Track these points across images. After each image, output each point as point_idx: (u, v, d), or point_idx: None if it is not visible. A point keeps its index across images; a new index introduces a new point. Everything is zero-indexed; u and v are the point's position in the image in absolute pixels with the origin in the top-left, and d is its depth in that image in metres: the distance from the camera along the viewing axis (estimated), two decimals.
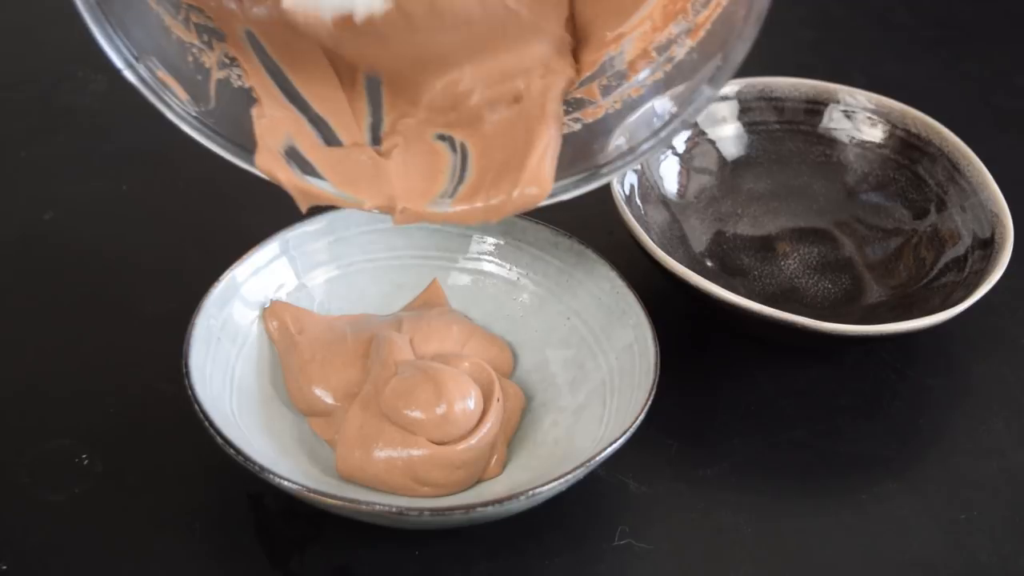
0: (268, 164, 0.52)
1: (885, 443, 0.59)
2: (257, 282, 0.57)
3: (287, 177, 0.52)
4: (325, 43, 0.51)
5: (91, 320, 0.61)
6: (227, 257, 0.57)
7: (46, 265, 0.65)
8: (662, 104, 0.52)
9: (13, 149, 0.72)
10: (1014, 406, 0.61)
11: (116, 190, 0.69)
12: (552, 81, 0.53)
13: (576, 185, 0.53)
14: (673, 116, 0.51)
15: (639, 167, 0.64)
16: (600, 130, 0.54)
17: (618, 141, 0.53)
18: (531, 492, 0.48)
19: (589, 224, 0.60)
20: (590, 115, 0.54)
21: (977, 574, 0.53)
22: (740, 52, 0.49)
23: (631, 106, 0.53)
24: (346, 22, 0.50)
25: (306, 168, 0.53)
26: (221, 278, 0.56)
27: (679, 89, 0.52)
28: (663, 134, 0.52)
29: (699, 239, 0.66)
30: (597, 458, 0.49)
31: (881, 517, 0.55)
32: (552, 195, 0.53)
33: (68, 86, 0.77)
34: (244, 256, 0.57)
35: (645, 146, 0.52)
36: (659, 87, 0.53)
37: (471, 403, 0.52)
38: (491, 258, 0.61)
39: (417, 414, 0.52)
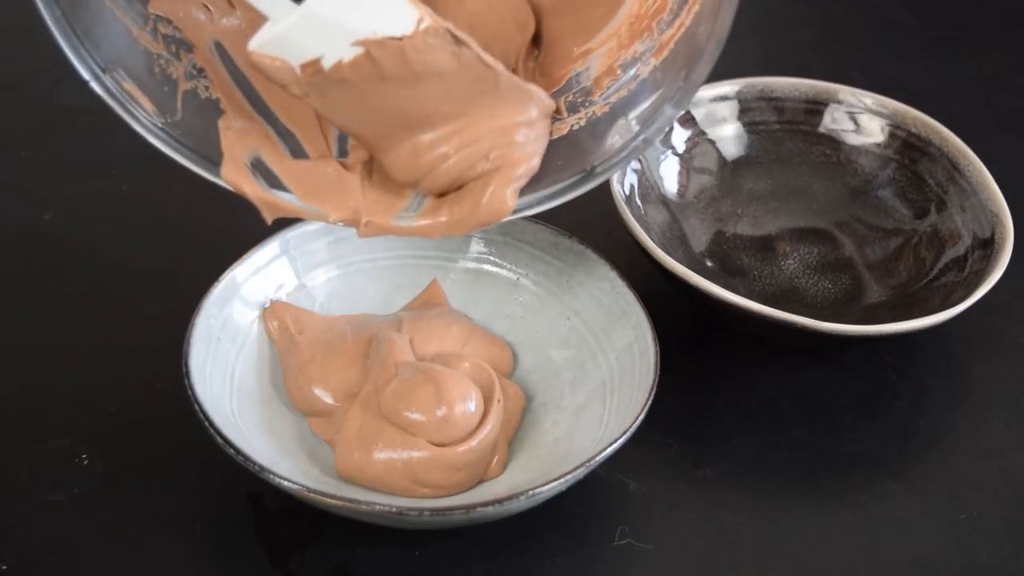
0: (233, 176, 0.52)
1: (885, 443, 0.59)
2: (257, 282, 0.57)
3: (252, 189, 0.52)
4: (292, 91, 0.50)
5: (91, 320, 0.61)
6: (227, 257, 0.57)
7: (46, 265, 0.65)
8: (625, 123, 0.52)
9: (13, 149, 0.72)
10: (1014, 406, 0.61)
11: (116, 190, 0.69)
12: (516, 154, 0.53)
13: (539, 202, 0.53)
14: (635, 135, 0.52)
15: (639, 167, 0.64)
16: (564, 147, 0.54)
17: (583, 159, 0.53)
18: (531, 492, 0.48)
19: (589, 224, 0.60)
20: (555, 131, 0.54)
21: (977, 574, 0.53)
22: (702, 73, 0.49)
23: (595, 123, 0.54)
24: (314, 68, 0.49)
25: (272, 181, 0.53)
26: (221, 278, 0.56)
27: (643, 107, 0.52)
28: (625, 153, 0.52)
29: (699, 239, 0.66)
30: (597, 458, 0.49)
31: (881, 517, 0.55)
32: (516, 211, 0.53)
33: (68, 86, 0.76)
34: (244, 256, 0.57)
35: (609, 163, 0.52)
36: (624, 105, 0.53)
37: (471, 405, 0.52)
38: (491, 258, 0.61)
39: (417, 416, 0.52)
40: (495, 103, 0.52)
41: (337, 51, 0.48)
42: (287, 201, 0.53)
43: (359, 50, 0.48)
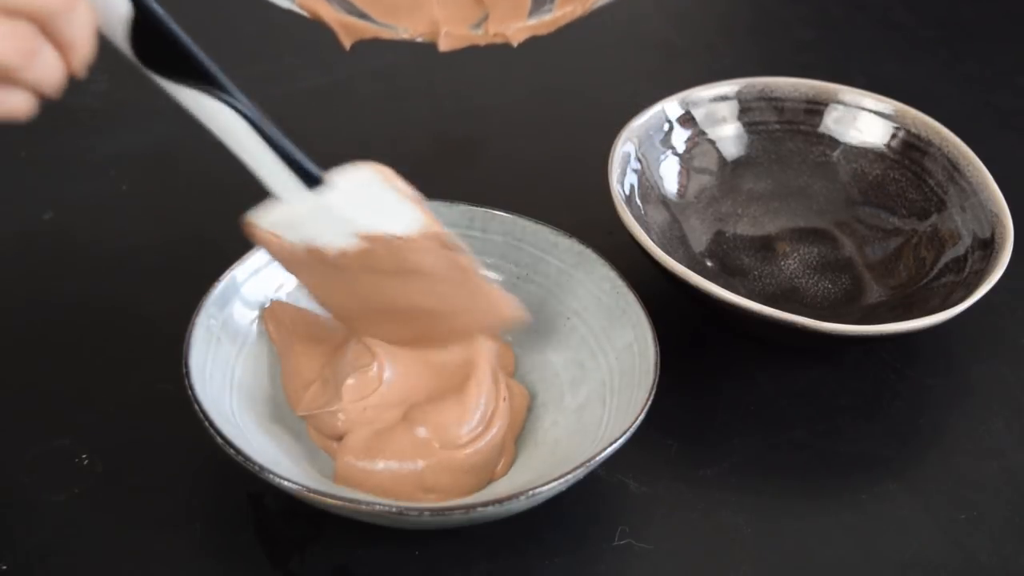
0: (309, 2, 0.52)
1: (885, 443, 0.59)
2: (257, 282, 0.57)
3: (328, 12, 0.52)
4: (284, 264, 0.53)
5: (91, 320, 0.61)
6: (227, 257, 0.57)
7: (46, 265, 0.65)
8: None
9: (13, 149, 0.72)
10: (1014, 406, 0.61)
11: (116, 190, 0.69)
12: None
13: None
14: None
15: (639, 167, 0.64)
16: None
17: None
18: (531, 492, 0.48)
19: (589, 224, 0.60)
20: None
21: (977, 574, 0.53)
22: None
23: None
24: (317, 251, 0.51)
25: (347, 7, 0.53)
26: (221, 278, 0.56)
27: None
28: None
29: (699, 239, 0.66)
30: (597, 458, 0.49)
31: (881, 517, 0.55)
32: None
33: (68, 86, 0.77)
34: (244, 256, 0.57)
35: None
36: None
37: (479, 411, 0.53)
38: (491, 258, 0.61)
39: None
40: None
41: (341, 239, 0.51)
42: (364, 23, 0.53)
43: (360, 242, 0.51)
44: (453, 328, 0.54)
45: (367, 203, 0.50)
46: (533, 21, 0.54)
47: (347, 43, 0.53)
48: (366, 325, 0.54)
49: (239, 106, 0.47)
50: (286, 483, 0.48)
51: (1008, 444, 0.59)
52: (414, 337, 0.54)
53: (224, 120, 0.47)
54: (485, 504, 0.49)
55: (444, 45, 0.53)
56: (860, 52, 0.86)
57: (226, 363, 0.55)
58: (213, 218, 0.67)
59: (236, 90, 0.47)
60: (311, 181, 0.49)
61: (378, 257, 0.51)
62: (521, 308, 0.55)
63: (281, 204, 0.50)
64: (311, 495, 0.48)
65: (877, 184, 0.67)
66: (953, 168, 0.65)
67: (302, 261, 0.52)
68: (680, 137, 0.67)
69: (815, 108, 0.68)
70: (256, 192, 0.72)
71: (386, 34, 0.53)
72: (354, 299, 0.54)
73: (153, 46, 0.45)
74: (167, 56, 0.46)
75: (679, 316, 0.62)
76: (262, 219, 0.51)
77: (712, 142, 0.68)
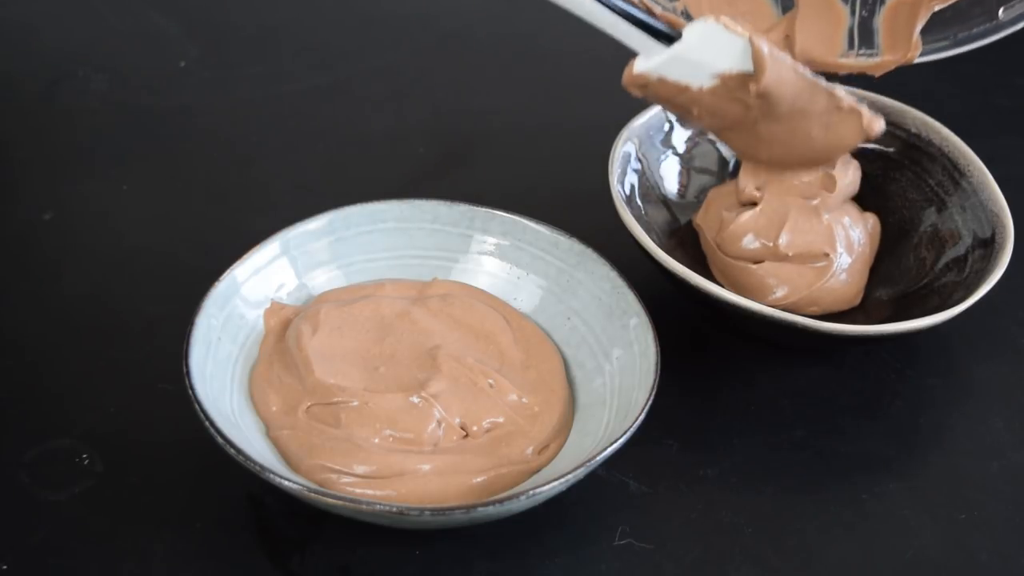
0: None
1: (885, 443, 0.59)
2: (257, 282, 0.57)
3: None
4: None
5: (91, 320, 0.61)
6: (227, 257, 0.57)
7: (46, 265, 0.65)
8: None
9: (13, 149, 0.72)
10: (1014, 406, 0.61)
11: (116, 190, 0.69)
12: None
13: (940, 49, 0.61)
14: None
15: (639, 167, 0.64)
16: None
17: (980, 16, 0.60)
18: (531, 492, 0.48)
19: (589, 224, 0.60)
20: None
21: (977, 574, 0.53)
22: None
23: None
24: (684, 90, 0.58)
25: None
26: (221, 278, 0.56)
27: None
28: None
29: None
30: (597, 458, 0.49)
31: (881, 517, 0.55)
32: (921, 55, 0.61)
33: (68, 86, 0.77)
34: (244, 256, 0.57)
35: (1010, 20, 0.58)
36: None
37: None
38: (491, 258, 0.61)
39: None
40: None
41: (701, 80, 0.57)
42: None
43: (716, 81, 0.57)
44: (813, 142, 0.59)
45: (715, 47, 0.56)
46: (853, 61, 0.62)
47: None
48: (742, 146, 0.61)
49: None
50: (286, 483, 0.48)
51: (1008, 444, 0.59)
52: (784, 156, 0.60)
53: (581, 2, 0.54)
54: (485, 504, 0.49)
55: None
56: None
57: (226, 363, 0.55)
58: (213, 218, 0.67)
59: None
60: (665, 38, 0.56)
61: (738, 92, 0.57)
62: (877, 116, 0.59)
63: (646, 58, 0.57)
64: (311, 495, 0.48)
65: (877, 184, 0.67)
66: (953, 168, 0.65)
67: (677, 101, 0.58)
68: (681, 137, 0.67)
69: None
70: (256, 192, 0.72)
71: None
72: (721, 120, 0.59)
73: None
74: None
75: (679, 316, 0.62)
76: (636, 67, 0.57)
77: (712, 142, 0.68)
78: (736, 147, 0.62)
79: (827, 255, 0.60)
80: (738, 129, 0.59)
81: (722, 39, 0.56)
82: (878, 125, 0.59)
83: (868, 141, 0.60)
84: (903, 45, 0.61)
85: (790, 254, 0.60)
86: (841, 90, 0.58)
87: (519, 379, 0.55)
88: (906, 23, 0.61)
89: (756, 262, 0.61)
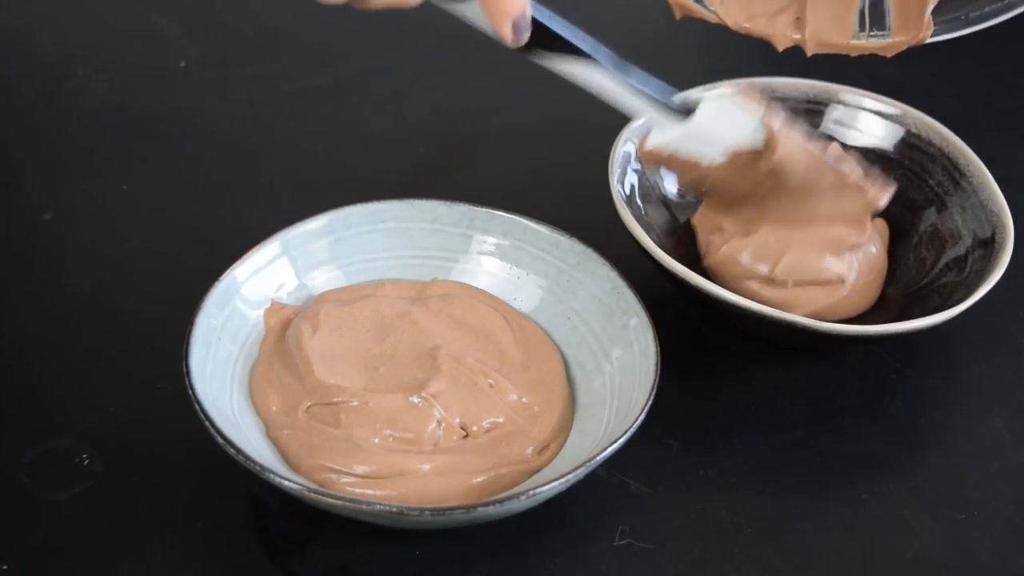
0: None
1: (885, 443, 0.59)
2: (257, 282, 0.57)
3: None
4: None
5: (91, 320, 0.61)
6: (227, 257, 0.57)
7: (46, 265, 0.65)
8: None
9: (13, 149, 0.72)
10: (1014, 406, 0.61)
11: (116, 190, 0.69)
12: None
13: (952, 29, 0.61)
14: None
15: (639, 167, 0.64)
16: None
17: None
18: (531, 492, 0.48)
19: (589, 224, 0.60)
20: None
21: (977, 574, 0.53)
22: None
23: None
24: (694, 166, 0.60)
25: None
26: (221, 278, 0.56)
27: None
28: None
29: None
30: (597, 458, 0.49)
31: (881, 517, 0.55)
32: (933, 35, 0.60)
33: (68, 86, 0.77)
34: (244, 256, 0.57)
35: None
36: None
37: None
38: (491, 258, 0.61)
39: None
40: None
41: (712, 154, 0.59)
42: (697, 5, 0.62)
43: (728, 157, 0.59)
44: (820, 215, 0.60)
45: (728, 124, 0.58)
46: (864, 42, 0.62)
47: (678, 15, 0.62)
48: (746, 212, 0.61)
49: (607, 67, 0.55)
50: (286, 483, 0.48)
51: (1008, 444, 0.59)
52: (788, 221, 0.60)
53: (596, 80, 0.56)
54: (485, 504, 0.49)
55: (781, 45, 0.62)
56: None
57: (226, 363, 0.55)
58: (213, 218, 0.67)
59: (601, 52, 0.55)
60: (680, 113, 0.58)
61: (749, 167, 0.58)
62: (883, 191, 0.60)
63: (660, 132, 0.59)
64: (311, 495, 0.48)
65: None
66: (953, 168, 0.65)
67: (689, 176, 0.61)
68: None
69: (816, 108, 0.68)
70: (256, 192, 0.72)
71: (711, 18, 0.62)
72: (731, 194, 0.61)
73: (536, 33, 0.53)
74: (546, 39, 0.54)
75: (679, 316, 0.62)
76: (650, 142, 0.59)
77: None
78: (744, 220, 0.62)
79: (841, 281, 0.60)
80: (748, 203, 0.60)
81: (735, 116, 0.58)
82: (883, 199, 0.60)
83: (876, 214, 0.61)
84: (914, 26, 0.61)
85: (789, 283, 0.60)
86: (850, 163, 0.59)
87: (519, 379, 0.55)
88: (917, 3, 0.60)
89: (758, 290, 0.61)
